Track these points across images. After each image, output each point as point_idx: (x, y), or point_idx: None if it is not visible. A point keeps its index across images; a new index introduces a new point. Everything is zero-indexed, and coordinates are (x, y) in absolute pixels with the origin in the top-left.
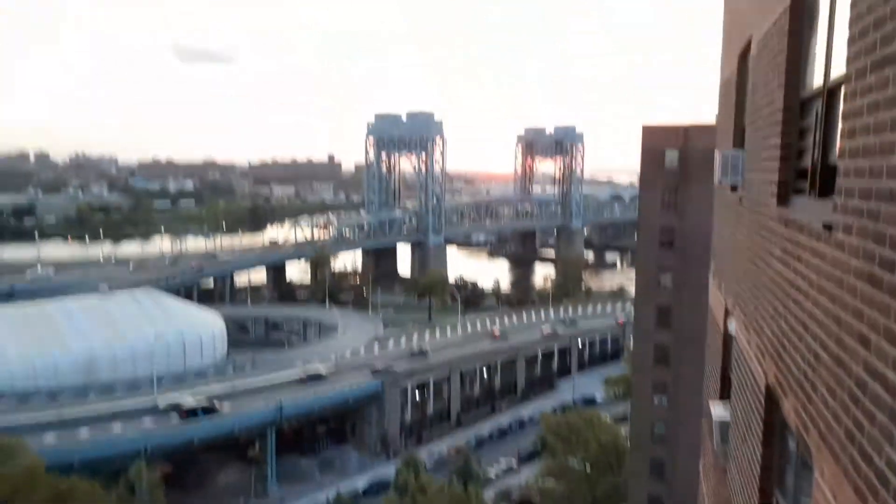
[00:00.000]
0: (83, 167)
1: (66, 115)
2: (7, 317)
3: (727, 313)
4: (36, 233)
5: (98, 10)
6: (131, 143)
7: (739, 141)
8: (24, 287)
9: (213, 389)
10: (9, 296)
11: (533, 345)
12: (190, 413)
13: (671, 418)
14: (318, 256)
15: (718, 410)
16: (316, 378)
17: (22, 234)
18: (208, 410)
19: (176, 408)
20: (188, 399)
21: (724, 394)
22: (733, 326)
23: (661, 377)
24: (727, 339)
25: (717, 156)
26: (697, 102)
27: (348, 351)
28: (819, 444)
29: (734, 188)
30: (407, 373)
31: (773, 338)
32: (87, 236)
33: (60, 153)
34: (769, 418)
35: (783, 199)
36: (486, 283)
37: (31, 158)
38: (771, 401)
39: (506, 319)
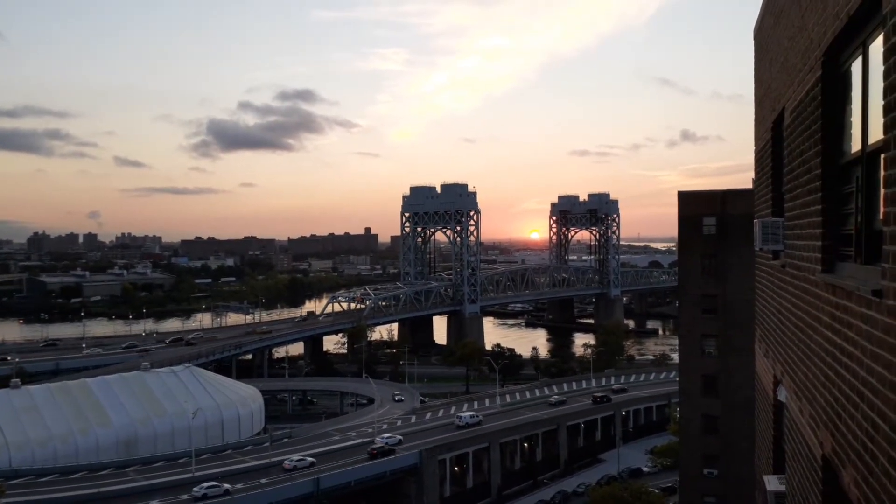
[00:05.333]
0: (129, 247)
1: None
2: (51, 394)
3: (776, 381)
4: (82, 312)
5: None
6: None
7: (778, 208)
8: (69, 364)
9: (251, 464)
10: (54, 373)
11: (578, 413)
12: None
13: (723, 491)
14: (354, 329)
15: (773, 483)
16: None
17: (69, 313)
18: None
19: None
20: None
21: (778, 465)
22: (783, 394)
23: (711, 448)
24: (777, 408)
25: (757, 224)
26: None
27: (385, 423)
28: None
29: (776, 255)
30: (445, 444)
31: (827, 406)
32: (130, 314)
33: (107, 234)
34: (828, 490)
35: (828, 265)
36: (524, 352)
37: (80, 239)
38: (829, 472)
39: (545, 389)
